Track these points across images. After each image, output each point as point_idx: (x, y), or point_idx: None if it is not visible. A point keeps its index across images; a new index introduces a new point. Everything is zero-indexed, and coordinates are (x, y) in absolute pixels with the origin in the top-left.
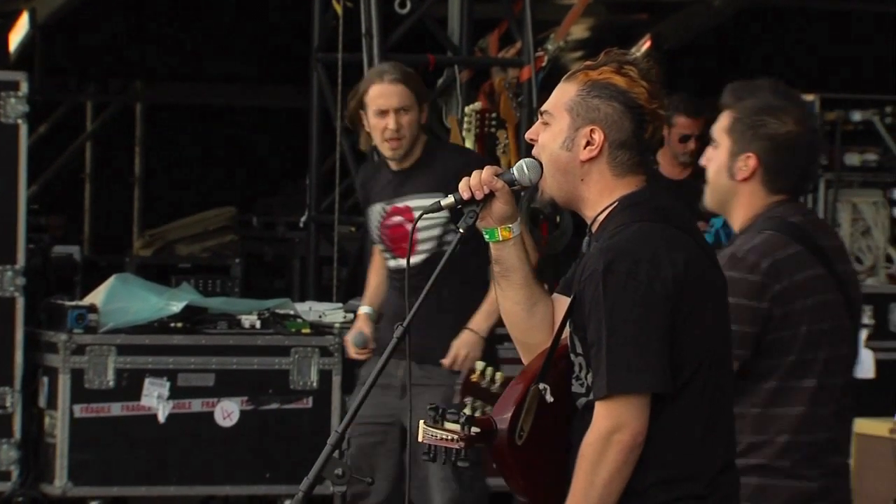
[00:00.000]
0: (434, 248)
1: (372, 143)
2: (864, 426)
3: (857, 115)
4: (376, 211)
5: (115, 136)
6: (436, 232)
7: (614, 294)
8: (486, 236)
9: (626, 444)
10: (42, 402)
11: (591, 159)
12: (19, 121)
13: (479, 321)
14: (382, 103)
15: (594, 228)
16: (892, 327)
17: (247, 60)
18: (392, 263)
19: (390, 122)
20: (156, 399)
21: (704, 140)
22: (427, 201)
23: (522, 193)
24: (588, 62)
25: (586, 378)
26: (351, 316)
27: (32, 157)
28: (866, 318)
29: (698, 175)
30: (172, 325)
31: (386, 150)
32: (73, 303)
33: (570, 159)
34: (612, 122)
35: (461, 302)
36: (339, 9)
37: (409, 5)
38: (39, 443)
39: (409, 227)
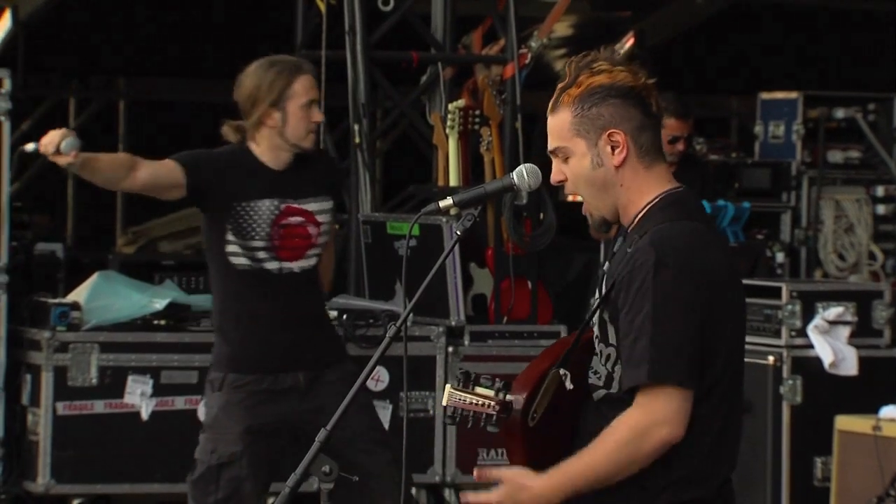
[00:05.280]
0: (320, 252)
1: (253, 133)
2: (847, 423)
3: (840, 113)
4: (265, 206)
5: (98, 133)
6: (326, 238)
7: (665, 288)
8: None
9: (665, 440)
10: (25, 399)
11: (623, 161)
12: (2, 118)
13: None
14: (312, 94)
15: (632, 226)
16: (875, 325)
17: (230, 57)
18: (271, 265)
19: (318, 114)
20: (139, 396)
21: (690, 140)
22: (322, 205)
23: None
24: (561, 85)
25: (612, 368)
26: (334, 313)
27: (15, 153)
28: (849, 316)
29: (682, 170)
30: (156, 322)
31: (308, 141)
32: (57, 300)
33: (605, 173)
34: (621, 117)
35: (325, 307)
36: (322, 6)
37: (392, 3)
38: (22, 440)
39: (312, 229)
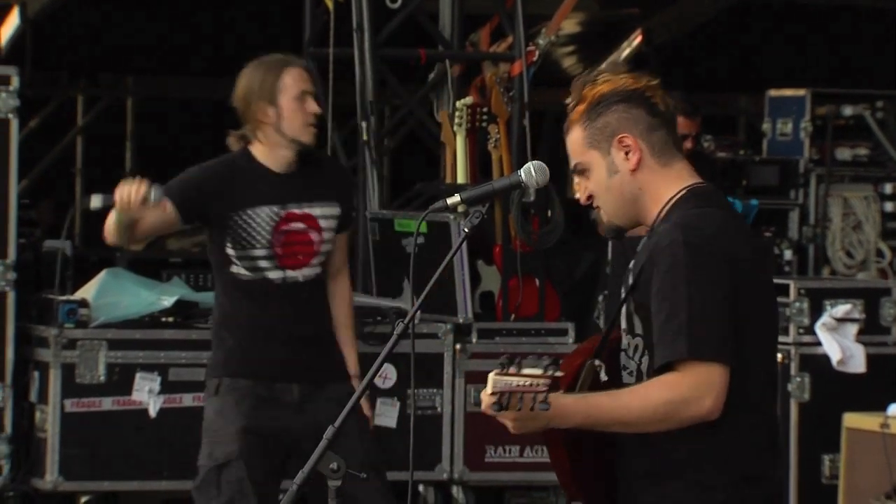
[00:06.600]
0: (324, 260)
1: (248, 139)
2: (854, 420)
3: (848, 110)
4: (264, 213)
5: (106, 131)
6: (330, 246)
7: (696, 266)
8: None
9: (703, 414)
10: (33, 396)
11: (638, 164)
12: (10, 115)
13: (356, 365)
14: (304, 86)
15: (656, 222)
16: (883, 322)
17: (238, 55)
18: (274, 275)
19: (313, 105)
20: (147, 393)
21: (699, 138)
22: (327, 210)
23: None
24: (567, 106)
25: (640, 360)
26: None
27: (23, 151)
28: (857, 313)
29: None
30: (164, 319)
31: (307, 135)
32: (64, 297)
33: (622, 179)
34: (628, 120)
35: (329, 320)
36: (330, 4)
37: (399, 0)
38: (30, 437)
39: (314, 235)
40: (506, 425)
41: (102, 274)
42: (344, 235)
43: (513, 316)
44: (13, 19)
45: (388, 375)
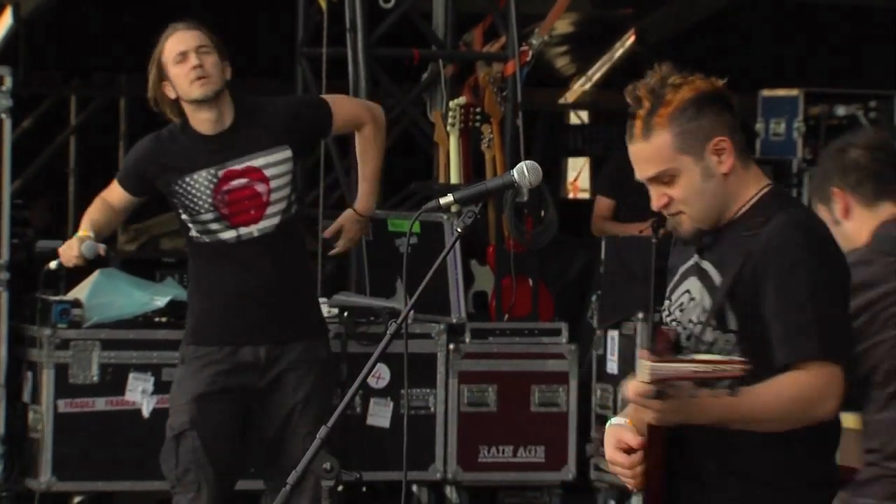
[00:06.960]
0: (284, 209)
1: (178, 111)
2: (853, 420)
3: (841, 110)
4: (202, 177)
5: (99, 131)
6: (286, 192)
7: (821, 267)
8: None
9: (828, 414)
10: (26, 396)
11: (732, 167)
12: (3, 115)
13: (365, 203)
14: (180, 47)
15: (735, 218)
16: None
17: (231, 54)
18: (227, 235)
19: (191, 59)
20: (140, 394)
21: None
22: (271, 157)
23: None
24: (642, 112)
25: (729, 356)
26: (335, 311)
27: (16, 151)
28: None
29: None
30: (157, 319)
31: (196, 90)
32: (58, 298)
33: (717, 184)
34: (719, 124)
35: (305, 273)
36: (323, 3)
37: (393, 0)
38: (24, 438)
39: (260, 187)
40: (646, 416)
41: (96, 274)
42: (340, 103)
43: (506, 316)
44: (6, 19)
45: (381, 375)
